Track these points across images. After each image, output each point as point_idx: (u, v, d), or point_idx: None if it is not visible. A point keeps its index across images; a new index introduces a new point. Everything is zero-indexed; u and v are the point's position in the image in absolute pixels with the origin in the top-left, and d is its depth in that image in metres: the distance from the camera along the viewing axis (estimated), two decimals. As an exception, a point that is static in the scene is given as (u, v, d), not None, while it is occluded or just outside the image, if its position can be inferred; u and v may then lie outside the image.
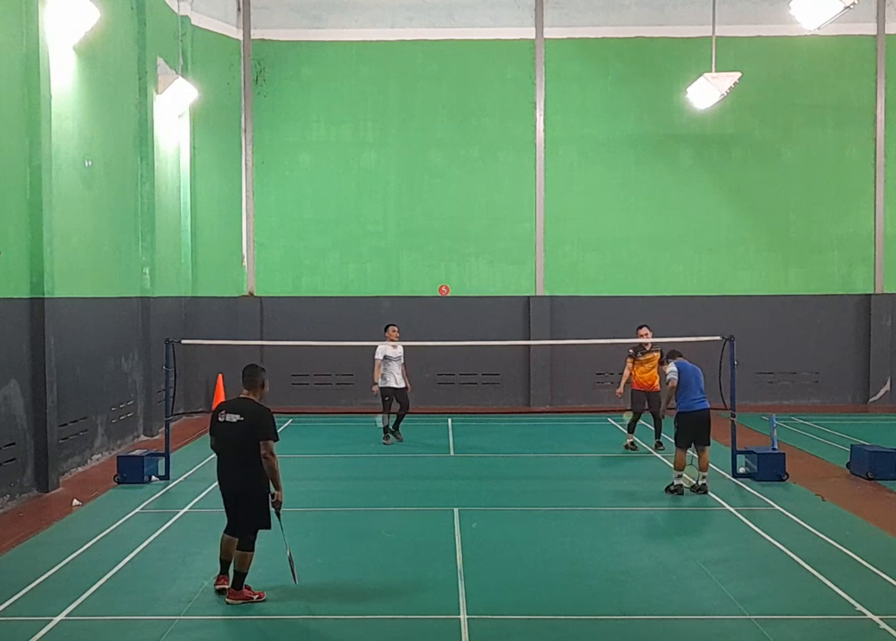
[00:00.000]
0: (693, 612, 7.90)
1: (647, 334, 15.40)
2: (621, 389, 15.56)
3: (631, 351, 15.61)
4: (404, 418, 16.59)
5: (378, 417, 16.82)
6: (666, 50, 21.59)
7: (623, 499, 12.13)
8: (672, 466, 12.66)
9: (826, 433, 17.37)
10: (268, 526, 8.33)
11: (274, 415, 8.56)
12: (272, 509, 8.28)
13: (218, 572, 8.46)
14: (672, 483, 12.36)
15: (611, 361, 21.01)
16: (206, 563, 9.24)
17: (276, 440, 8.24)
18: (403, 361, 16.40)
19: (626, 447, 15.62)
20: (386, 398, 16.27)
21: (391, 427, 16.52)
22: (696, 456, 12.57)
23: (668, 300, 21.61)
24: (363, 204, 21.87)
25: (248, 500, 8.26)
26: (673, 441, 12.61)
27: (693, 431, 12.42)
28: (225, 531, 8.47)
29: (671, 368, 12.53)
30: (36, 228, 12.41)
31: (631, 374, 15.53)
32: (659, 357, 15.34)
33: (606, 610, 7.97)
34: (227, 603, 8.08)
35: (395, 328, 16.41)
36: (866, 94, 21.66)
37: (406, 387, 16.33)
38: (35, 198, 12.39)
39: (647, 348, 15.49)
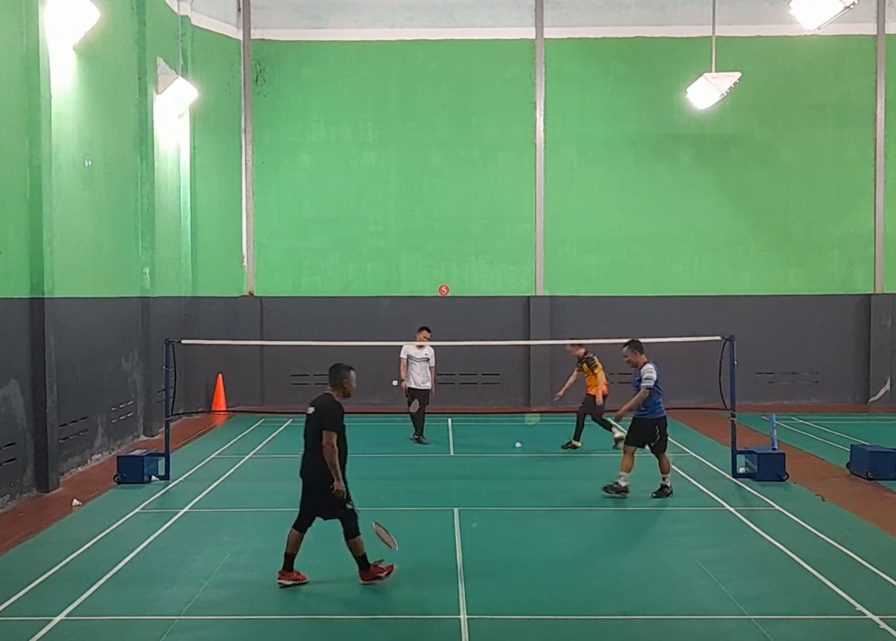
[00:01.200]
0: (693, 612, 7.89)
1: (573, 349, 16.29)
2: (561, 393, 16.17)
3: None
4: (424, 421, 16.65)
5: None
6: (666, 50, 21.60)
7: (623, 498, 12.11)
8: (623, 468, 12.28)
9: (826, 433, 17.36)
10: (344, 517, 8.55)
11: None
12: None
13: (282, 567, 8.61)
14: (618, 483, 12.08)
15: (611, 361, 20.99)
16: (206, 563, 9.24)
17: (335, 431, 8.47)
18: (432, 363, 16.49)
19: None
20: (408, 397, 16.49)
21: (415, 435, 16.61)
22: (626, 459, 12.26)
23: (668, 300, 21.62)
24: (363, 204, 21.87)
25: (321, 490, 8.52)
26: (657, 449, 12.18)
27: (666, 436, 12.27)
28: (293, 526, 8.73)
29: (650, 374, 12.06)
30: (36, 228, 12.41)
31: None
32: (585, 366, 15.94)
33: (606, 610, 7.97)
34: (361, 584, 8.51)
35: (425, 334, 16.41)
36: (866, 94, 21.67)
37: (429, 390, 16.44)
38: (35, 198, 12.39)
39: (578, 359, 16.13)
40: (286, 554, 8.62)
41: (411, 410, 16.45)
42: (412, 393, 16.40)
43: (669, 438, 16.41)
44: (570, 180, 21.82)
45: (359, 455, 15.50)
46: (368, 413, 19.40)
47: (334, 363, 8.90)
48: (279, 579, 8.55)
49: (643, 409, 12.11)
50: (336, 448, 8.42)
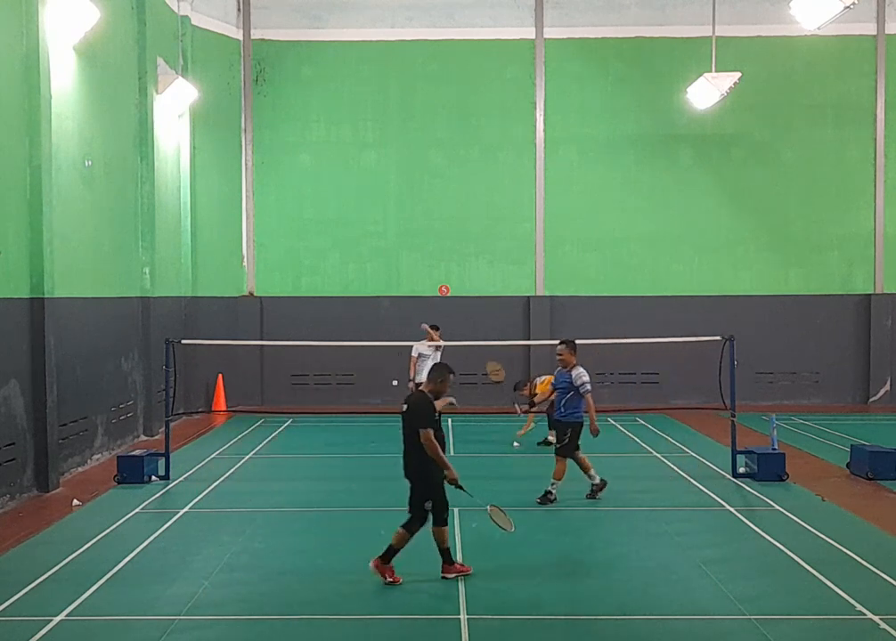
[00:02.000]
0: (693, 612, 7.89)
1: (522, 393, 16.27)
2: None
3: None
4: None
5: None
6: (666, 50, 21.60)
7: (623, 498, 12.11)
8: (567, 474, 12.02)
9: (826, 433, 17.36)
10: (429, 507, 8.72)
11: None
12: (449, 486, 8.77)
13: (443, 561, 8.79)
14: (552, 493, 11.79)
15: (611, 361, 21.04)
16: (206, 563, 9.24)
17: (431, 427, 8.67)
18: (438, 358, 16.72)
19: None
20: None
21: None
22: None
23: (668, 300, 21.61)
24: (363, 204, 21.87)
25: (413, 483, 8.86)
26: (562, 451, 11.87)
27: (576, 442, 12.00)
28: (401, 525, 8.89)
29: (586, 377, 11.80)
30: (36, 228, 12.40)
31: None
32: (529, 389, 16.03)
33: (607, 610, 7.97)
34: (442, 577, 8.66)
35: (436, 333, 16.84)
36: (866, 94, 21.67)
37: None
38: (35, 198, 12.38)
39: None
40: (440, 549, 8.75)
41: None
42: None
43: (668, 438, 16.44)
44: (570, 180, 21.81)
45: (359, 455, 15.61)
46: (368, 413, 19.44)
47: (441, 362, 9.19)
48: (443, 573, 8.72)
49: (563, 410, 11.85)
50: (436, 442, 8.63)
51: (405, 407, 8.87)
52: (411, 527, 8.75)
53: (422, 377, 16.62)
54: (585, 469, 12.07)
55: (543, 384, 15.75)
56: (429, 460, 8.68)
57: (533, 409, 15.27)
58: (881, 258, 21.80)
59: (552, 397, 12.92)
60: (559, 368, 12.26)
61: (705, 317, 20.90)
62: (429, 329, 16.96)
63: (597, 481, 12.08)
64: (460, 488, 8.78)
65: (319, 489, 12.85)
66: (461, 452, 15.97)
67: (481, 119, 21.89)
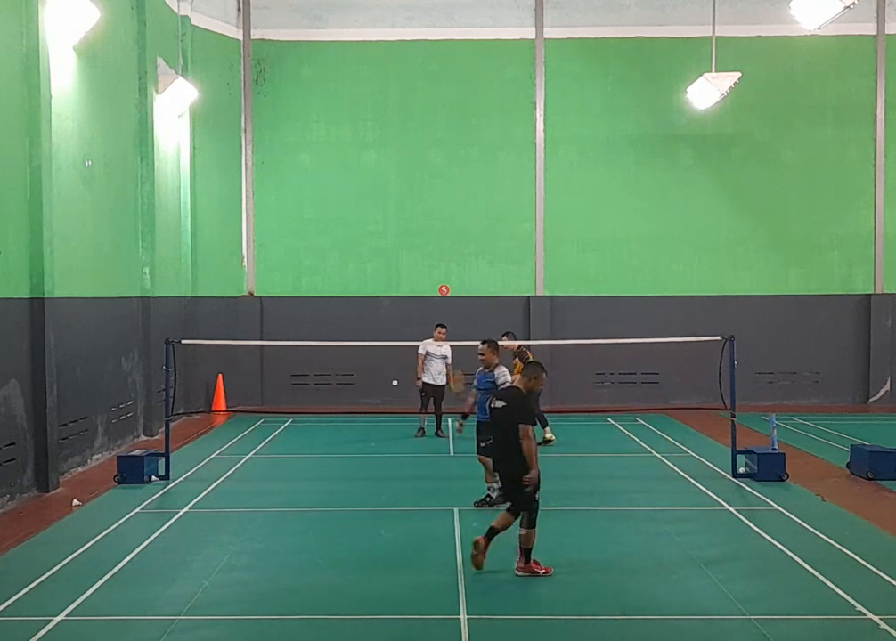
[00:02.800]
0: (693, 612, 7.88)
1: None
2: None
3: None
4: (442, 417, 17.32)
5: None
6: (666, 50, 21.59)
7: (623, 498, 12.12)
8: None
9: (826, 433, 17.36)
10: (529, 508, 8.77)
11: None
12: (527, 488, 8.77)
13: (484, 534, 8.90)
14: (490, 496, 11.52)
15: (611, 361, 21.06)
16: (206, 563, 9.24)
17: (532, 424, 8.81)
18: (449, 360, 16.95)
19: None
20: (423, 393, 16.98)
21: (435, 430, 17.24)
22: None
23: (668, 300, 21.61)
24: (363, 204, 21.87)
25: (513, 480, 8.82)
26: (485, 451, 11.34)
27: None
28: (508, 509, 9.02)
29: (507, 377, 11.24)
30: (36, 228, 12.40)
31: None
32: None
33: (606, 610, 7.96)
34: (516, 574, 8.74)
35: (441, 330, 16.90)
36: (866, 94, 21.66)
37: (444, 385, 16.88)
38: (35, 198, 12.38)
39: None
40: (491, 527, 8.89)
41: (430, 411, 16.79)
42: (427, 389, 16.90)
43: (668, 438, 16.45)
44: (570, 180, 21.81)
45: (359, 455, 15.61)
46: (368, 413, 19.44)
47: (534, 361, 9.15)
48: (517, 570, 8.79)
49: (486, 411, 10.81)
50: (533, 439, 8.73)
51: (500, 403, 8.94)
52: (529, 521, 8.80)
53: (430, 376, 16.73)
54: (491, 474, 11.37)
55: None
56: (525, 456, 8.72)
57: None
58: (881, 258, 21.79)
59: (475, 398, 11.95)
60: (481, 368, 11.66)
61: (705, 317, 20.90)
62: (438, 330, 16.95)
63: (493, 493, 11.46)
64: (529, 490, 8.74)
65: (319, 489, 12.85)
66: (461, 452, 15.96)
67: (481, 119, 21.89)
